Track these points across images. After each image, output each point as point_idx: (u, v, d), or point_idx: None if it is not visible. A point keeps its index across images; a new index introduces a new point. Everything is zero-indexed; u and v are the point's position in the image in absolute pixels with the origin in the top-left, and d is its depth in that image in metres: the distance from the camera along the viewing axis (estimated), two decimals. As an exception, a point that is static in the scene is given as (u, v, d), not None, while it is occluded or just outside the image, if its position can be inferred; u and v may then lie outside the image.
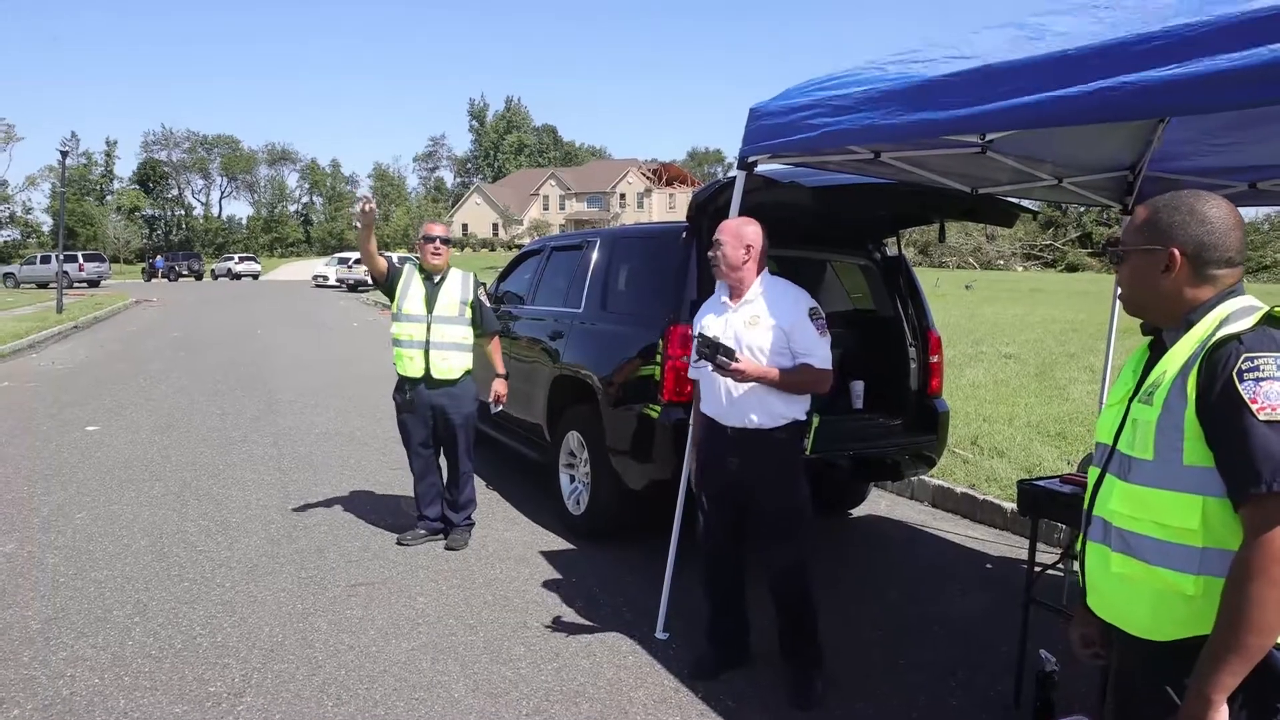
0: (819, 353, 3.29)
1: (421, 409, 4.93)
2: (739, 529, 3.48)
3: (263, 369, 12.36)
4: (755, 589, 3.58)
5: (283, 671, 3.47)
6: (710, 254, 3.38)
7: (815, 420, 3.44)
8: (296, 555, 4.78)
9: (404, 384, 4.95)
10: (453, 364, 4.89)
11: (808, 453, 3.44)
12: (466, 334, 4.96)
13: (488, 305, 5.07)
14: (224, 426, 8.19)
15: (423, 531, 5.08)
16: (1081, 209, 52.48)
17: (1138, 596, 1.65)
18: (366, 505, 5.77)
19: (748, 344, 3.26)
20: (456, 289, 4.96)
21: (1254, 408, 1.45)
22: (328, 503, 5.79)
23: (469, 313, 4.96)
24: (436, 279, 4.94)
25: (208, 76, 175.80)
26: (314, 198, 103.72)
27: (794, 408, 3.32)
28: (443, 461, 5.16)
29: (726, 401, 3.32)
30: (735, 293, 3.40)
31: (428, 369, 4.85)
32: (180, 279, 49.26)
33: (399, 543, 5.01)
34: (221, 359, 13.43)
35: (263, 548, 4.89)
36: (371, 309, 26.49)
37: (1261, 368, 1.46)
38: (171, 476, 6.35)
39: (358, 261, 40.15)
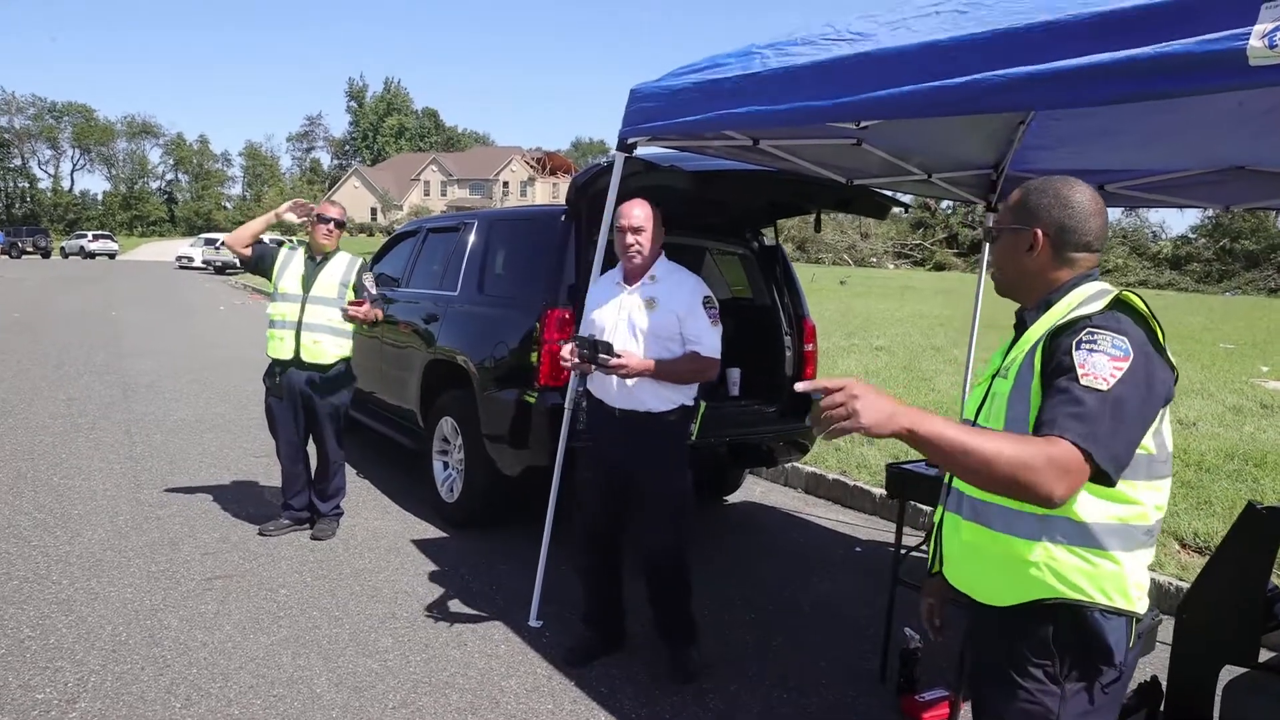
0: (708, 341, 3.30)
1: (290, 393, 4.70)
2: (620, 513, 3.46)
3: (117, 353, 11.55)
4: (628, 575, 3.56)
5: (124, 673, 3.22)
6: (627, 240, 3.28)
7: (702, 406, 3.46)
8: (146, 548, 4.47)
9: (274, 366, 4.72)
10: (325, 347, 4.66)
11: (693, 438, 3.45)
12: None
13: (373, 290, 4.78)
14: (69, 413, 7.60)
15: (286, 522, 4.84)
16: (949, 210, 55.12)
17: (985, 563, 1.71)
18: (227, 495, 5.45)
19: (641, 327, 3.24)
20: (338, 271, 4.73)
21: (1080, 372, 1.50)
22: (184, 492, 5.45)
23: (350, 295, 4.70)
24: (319, 259, 4.71)
25: (56, 39, 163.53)
26: (179, 175, 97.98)
27: (683, 392, 3.34)
28: (312, 448, 4.93)
29: (616, 384, 3.28)
30: (632, 275, 3.36)
31: (297, 351, 4.62)
32: (24, 256, 45.63)
33: (261, 533, 4.75)
34: (69, 341, 12.48)
35: (108, 541, 4.55)
36: (240, 292, 25.26)
37: (1098, 341, 1.53)
38: (3, 466, 5.83)
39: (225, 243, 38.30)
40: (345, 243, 4.82)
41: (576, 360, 3.17)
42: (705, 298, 3.33)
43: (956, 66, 2.17)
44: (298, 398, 4.71)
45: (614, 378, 3.27)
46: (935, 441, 1.44)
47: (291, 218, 4.72)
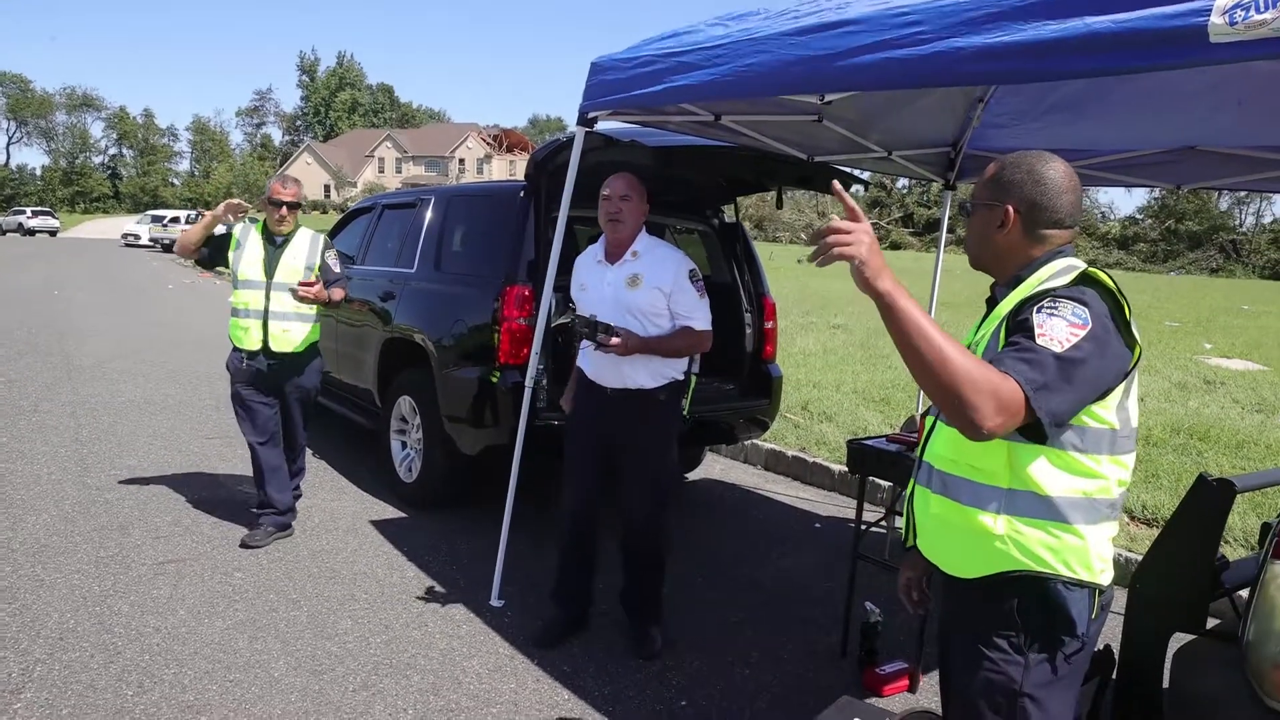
0: (699, 315, 3.31)
1: (258, 381, 4.42)
2: (606, 491, 3.46)
3: (60, 332, 11.23)
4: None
5: (73, 661, 3.14)
6: (610, 209, 3.25)
7: (693, 380, 3.46)
8: (95, 533, 4.35)
9: (240, 354, 4.41)
10: (294, 335, 4.39)
11: (685, 413, 3.45)
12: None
13: (337, 269, 4.50)
14: (10, 395, 7.37)
15: (272, 529, 4.45)
16: (904, 190, 55.60)
17: (952, 536, 1.73)
18: (179, 478, 5.33)
19: (626, 305, 3.22)
20: (302, 253, 4.42)
21: (1037, 332, 1.52)
22: (134, 476, 5.31)
23: (314, 279, 4.38)
24: (279, 241, 4.41)
25: (56, 39, 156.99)
26: (123, 150, 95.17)
27: (674, 367, 3.34)
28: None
29: (609, 363, 3.25)
30: (614, 252, 3.33)
31: (265, 341, 4.34)
32: (-40, 233, 44.19)
33: (244, 544, 4.34)
34: (9, 321, 12.08)
35: (54, 526, 4.42)
36: (188, 271, 24.66)
37: (1059, 308, 1.55)
38: (-57, 450, 5.65)
39: (173, 220, 37.25)
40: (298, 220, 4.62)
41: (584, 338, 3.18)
42: (690, 271, 3.32)
43: (918, 39, 2.16)
44: (265, 383, 4.43)
45: (607, 356, 3.25)
46: (906, 316, 1.45)
47: (230, 219, 4.40)
